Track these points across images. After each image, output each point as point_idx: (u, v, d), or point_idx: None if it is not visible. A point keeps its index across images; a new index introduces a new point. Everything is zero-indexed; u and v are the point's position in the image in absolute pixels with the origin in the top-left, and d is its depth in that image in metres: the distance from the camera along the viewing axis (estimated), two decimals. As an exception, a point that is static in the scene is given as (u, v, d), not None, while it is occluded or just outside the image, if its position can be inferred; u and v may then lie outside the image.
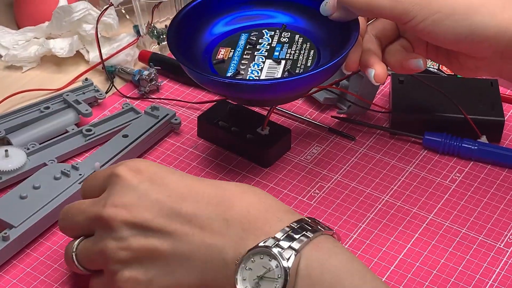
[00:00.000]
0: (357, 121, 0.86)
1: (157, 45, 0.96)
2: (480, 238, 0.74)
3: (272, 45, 0.76)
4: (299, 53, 0.75)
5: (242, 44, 0.77)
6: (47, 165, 0.78)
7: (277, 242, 0.56)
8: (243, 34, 0.78)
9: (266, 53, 0.76)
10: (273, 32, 0.78)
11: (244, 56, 0.76)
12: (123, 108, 0.86)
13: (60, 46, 0.92)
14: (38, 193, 0.74)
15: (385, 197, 0.78)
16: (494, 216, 0.76)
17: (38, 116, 0.84)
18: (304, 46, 0.76)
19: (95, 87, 0.89)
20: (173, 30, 0.75)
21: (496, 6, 0.66)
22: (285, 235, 0.57)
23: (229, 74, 0.74)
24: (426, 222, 0.75)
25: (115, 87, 0.90)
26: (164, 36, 0.95)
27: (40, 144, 0.80)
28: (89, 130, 0.82)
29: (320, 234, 0.58)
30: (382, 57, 0.74)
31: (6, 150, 0.78)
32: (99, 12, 0.92)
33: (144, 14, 0.94)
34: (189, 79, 0.91)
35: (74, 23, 0.92)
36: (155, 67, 0.90)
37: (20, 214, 0.71)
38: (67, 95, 0.86)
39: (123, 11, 1.01)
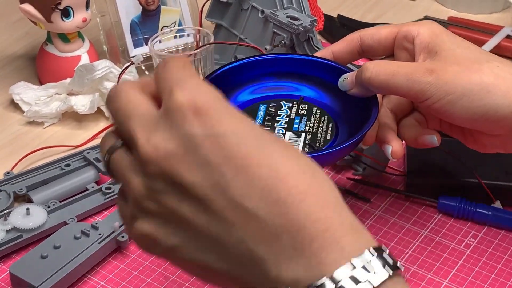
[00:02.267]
0: (372, 184, 0.87)
1: (176, 103, 0.98)
2: (494, 305, 0.74)
3: (291, 117, 0.78)
4: (318, 126, 0.77)
5: (261, 115, 0.78)
6: (67, 223, 0.79)
7: (336, 286, 0.45)
8: (261, 105, 0.79)
9: (286, 125, 0.77)
10: (290, 104, 0.79)
11: (265, 128, 0.77)
12: (142, 166, 0.87)
13: (82, 103, 0.94)
14: (59, 252, 0.75)
15: (401, 261, 0.79)
16: (508, 283, 0.77)
17: (58, 174, 0.85)
18: (322, 119, 0.77)
19: (115, 144, 0.90)
20: None
21: (509, 86, 0.67)
22: (346, 277, 0.45)
23: None
24: (440, 288, 0.76)
25: (134, 144, 0.92)
26: (183, 94, 0.97)
27: (60, 201, 0.82)
28: (109, 188, 0.84)
29: (388, 279, 0.46)
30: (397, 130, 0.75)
31: (28, 209, 0.79)
32: (120, 70, 0.94)
33: (164, 72, 0.96)
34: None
35: (96, 81, 0.94)
36: (174, 126, 0.92)
37: (41, 274, 0.72)
38: (88, 152, 0.88)
39: (143, 68, 1.03)
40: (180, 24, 1.04)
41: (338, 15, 1.18)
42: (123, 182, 0.51)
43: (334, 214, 0.47)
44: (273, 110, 0.78)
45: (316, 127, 0.77)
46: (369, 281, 0.45)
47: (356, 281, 0.45)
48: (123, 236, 0.78)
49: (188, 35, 1.01)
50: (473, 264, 0.79)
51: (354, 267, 0.45)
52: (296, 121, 0.77)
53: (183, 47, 1.01)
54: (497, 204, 0.84)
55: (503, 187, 0.84)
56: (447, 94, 0.68)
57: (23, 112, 0.96)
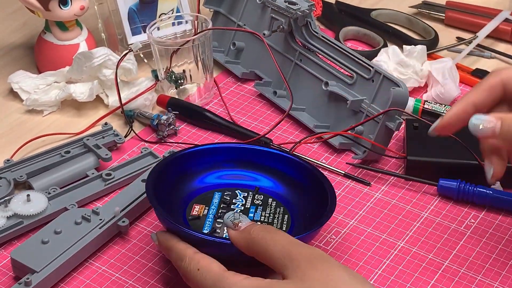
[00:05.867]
0: (372, 168, 0.87)
1: (175, 90, 0.98)
2: (495, 285, 0.74)
3: (246, 206, 0.78)
4: (274, 217, 0.77)
5: (216, 203, 0.78)
6: (68, 209, 0.79)
7: None
8: (216, 193, 0.79)
9: (241, 213, 0.74)
10: (246, 194, 0.79)
11: (219, 215, 0.76)
12: (142, 152, 0.88)
13: (80, 90, 0.94)
14: (60, 238, 0.75)
15: (401, 243, 0.79)
16: (509, 263, 0.77)
17: (59, 161, 0.85)
18: (278, 210, 0.78)
19: (114, 131, 0.90)
20: (153, 177, 0.75)
21: None
22: None
23: (205, 231, 0.75)
24: (441, 269, 0.76)
25: (134, 131, 0.92)
26: (182, 81, 0.97)
27: (60, 188, 0.82)
28: (109, 175, 0.84)
29: None
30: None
31: (28, 195, 0.79)
32: (119, 58, 0.94)
33: (162, 59, 0.96)
34: (206, 124, 0.94)
35: (94, 68, 0.94)
36: (174, 112, 0.92)
37: (42, 259, 0.72)
38: (87, 139, 0.88)
39: (142, 56, 1.03)
40: (178, 11, 1.04)
41: (336, 0, 1.18)
42: None
43: None
44: (228, 199, 0.79)
45: (271, 217, 0.77)
46: None
47: None
48: (123, 221, 0.78)
49: (186, 22, 1.01)
50: (474, 245, 0.79)
51: None
52: (251, 210, 0.77)
53: (181, 34, 1.01)
54: (497, 186, 0.84)
55: (503, 168, 0.84)
56: None
57: (22, 100, 0.96)
